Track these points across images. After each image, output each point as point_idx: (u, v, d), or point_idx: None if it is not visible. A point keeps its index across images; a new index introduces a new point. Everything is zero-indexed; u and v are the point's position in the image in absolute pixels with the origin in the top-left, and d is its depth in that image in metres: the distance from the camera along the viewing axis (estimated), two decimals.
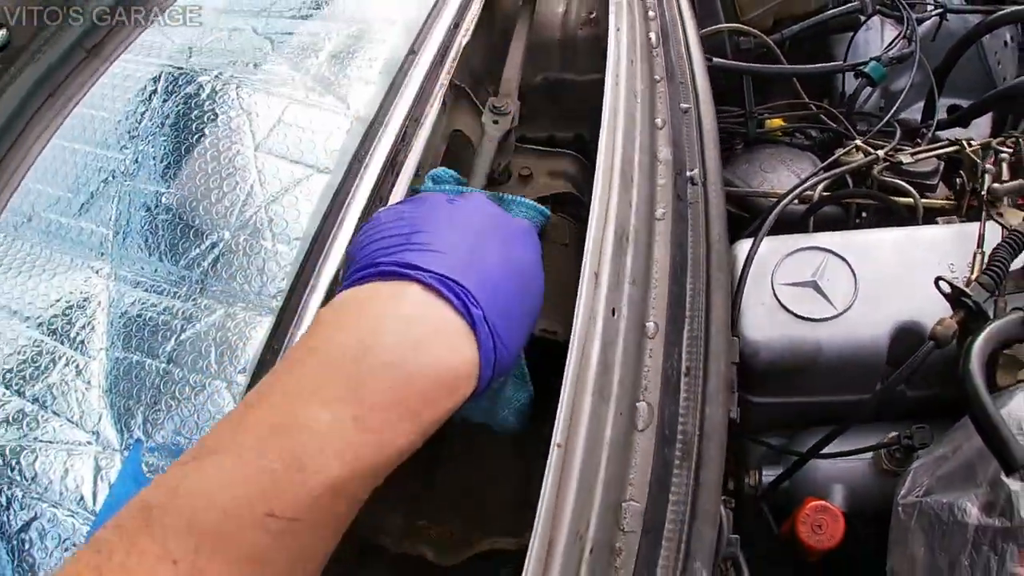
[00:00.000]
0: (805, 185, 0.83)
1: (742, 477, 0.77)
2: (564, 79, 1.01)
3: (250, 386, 0.56)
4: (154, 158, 0.82)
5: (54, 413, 0.69)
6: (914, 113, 1.19)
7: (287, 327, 0.59)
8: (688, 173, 0.64)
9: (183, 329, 0.67)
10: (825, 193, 0.87)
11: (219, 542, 0.34)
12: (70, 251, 0.84)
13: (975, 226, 0.75)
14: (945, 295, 0.66)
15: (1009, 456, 0.55)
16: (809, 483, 0.76)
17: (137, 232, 0.79)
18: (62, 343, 0.75)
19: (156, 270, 0.74)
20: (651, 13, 0.85)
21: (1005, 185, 0.77)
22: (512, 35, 1.07)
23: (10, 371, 0.74)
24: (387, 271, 0.42)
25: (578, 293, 0.51)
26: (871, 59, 1.00)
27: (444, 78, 0.81)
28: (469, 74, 0.94)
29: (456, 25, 0.88)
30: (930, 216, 0.90)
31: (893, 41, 1.08)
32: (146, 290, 0.74)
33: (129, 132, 0.86)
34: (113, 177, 0.85)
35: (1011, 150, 0.87)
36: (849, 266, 0.73)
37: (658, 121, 0.70)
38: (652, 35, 0.81)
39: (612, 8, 0.79)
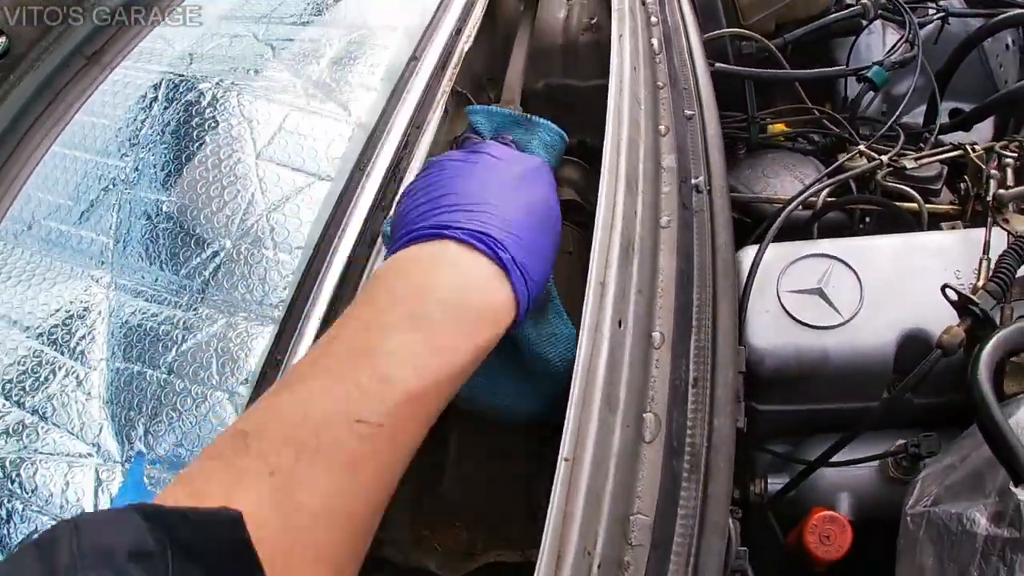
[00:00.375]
0: (809, 191, 0.82)
1: (747, 485, 0.76)
2: (566, 85, 1.01)
3: (252, 399, 0.55)
4: (155, 166, 0.82)
5: (54, 424, 0.68)
6: (916, 117, 1.19)
7: (290, 337, 0.59)
8: (693, 181, 0.63)
9: (184, 339, 0.67)
10: (830, 199, 0.87)
11: (315, 451, 0.39)
12: (70, 259, 0.83)
13: (980, 232, 0.75)
14: (952, 303, 0.66)
15: (1018, 466, 0.54)
16: (815, 491, 0.75)
17: (137, 241, 0.79)
18: (62, 353, 0.74)
19: (157, 279, 0.73)
20: (653, 19, 0.84)
21: (1011, 191, 0.77)
22: (513, 40, 1.07)
23: (9, 382, 0.74)
24: (425, 234, 0.49)
25: (584, 303, 0.51)
26: (874, 64, 0.99)
27: (446, 85, 0.80)
28: (470, 80, 0.94)
29: (458, 31, 0.88)
30: (934, 221, 0.90)
31: (895, 45, 1.08)
32: (147, 300, 0.73)
33: (130, 140, 0.85)
34: (114, 185, 0.85)
35: (1015, 154, 0.87)
36: (855, 273, 0.72)
37: (662, 128, 0.69)
38: (655, 41, 0.81)
39: (615, 15, 0.79)
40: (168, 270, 0.73)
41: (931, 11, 1.19)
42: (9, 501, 0.65)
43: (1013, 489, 0.56)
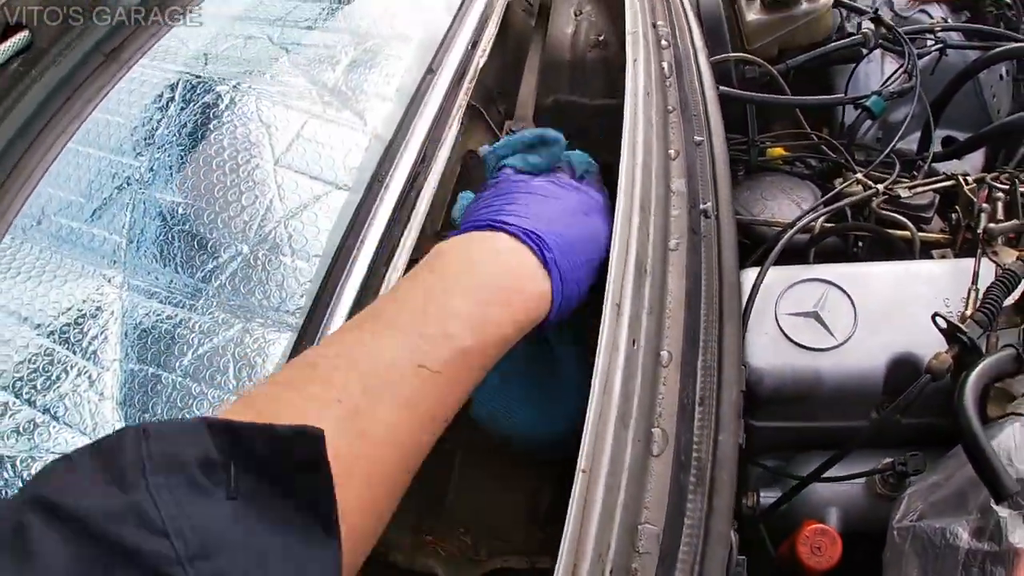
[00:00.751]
0: (807, 218, 0.85)
1: (741, 499, 0.79)
2: (574, 102, 1.03)
3: None
4: (170, 167, 0.82)
5: (66, 424, 0.69)
6: (910, 143, 1.22)
7: (309, 345, 0.60)
8: (702, 206, 0.66)
9: (200, 343, 0.68)
10: (827, 224, 0.90)
11: (379, 387, 0.44)
12: (81, 257, 0.83)
13: (970, 262, 0.78)
14: (941, 330, 0.69)
15: (999, 485, 0.58)
16: (805, 505, 0.78)
17: (152, 242, 0.79)
18: (74, 353, 0.75)
19: (171, 281, 0.74)
20: (664, 43, 0.87)
21: (1000, 225, 0.80)
22: (521, 53, 1.09)
23: (20, 380, 0.74)
24: (483, 224, 0.58)
25: (601, 323, 0.53)
26: (872, 93, 1.03)
27: (462, 99, 0.82)
28: (482, 93, 0.96)
29: (474, 44, 0.90)
30: (926, 249, 0.93)
31: (893, 75, 1.11)
32: (160, 301, 0.74)
33: (145, 139, 0.86)
34: (128, 184, 0.85)
35: (1007, 186, 0.91)
36: (849, 298, 0.75)
37: (672, 152, 0.72)
38: (665, 64, 0.83)
39: (629, 39, 0.81)
40: (184, 273, 0.74)
41: (929, 42, 1.22)
42: None
43: (994, 506, 0.59)
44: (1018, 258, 0.77)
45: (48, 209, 0.89)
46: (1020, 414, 0.66)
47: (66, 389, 0.72)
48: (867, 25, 1.16)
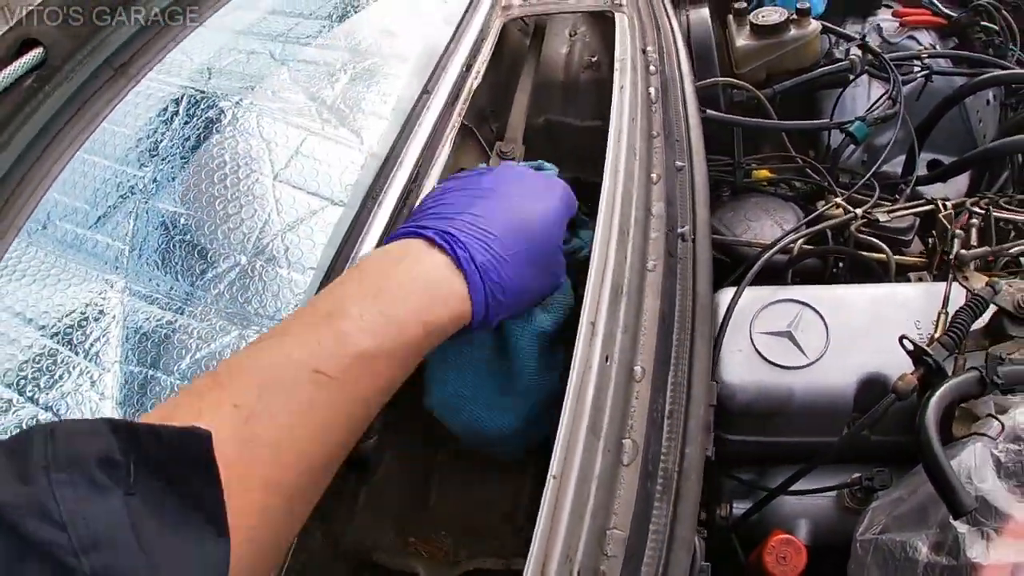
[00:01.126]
0: (786, 240, 0.88)
1: (714, 509, 0.82)
2: (564, 123, 1.06)
3: None
4: (173, 179, 0.86)
5: None
6: (895, 166, 1.25)
7: None
8: (680, 230, 0.69)
9: (198, 348, 0.71)
10: (806, 246, 0.93)
11: (276, 391, 0.44)
12: (84, 262, 0.87)
13: (942, 286, 0.81)
14: (908, 352, 0.72)
15: (957, 502, 0.60)
16: (776, 517, 0.81)
17: (153, 249, 0.82)
18: (76, 353, 0.78)
19: (171, 288, 0.77)
20: (652, 68, 0.90)
21: (971, 252, 0.83)
22: (515, 72, 1.13)
23: (24, 378, 0.77)
24: (401, 233, 0.58)
25: (576, 341, 0.56)
26: (856, 119, 1.06)
27: (455, 120, 0.85)
28: (475, 113, 0.99)
29: (468, 67, 0.93)
30: (903, 271, 0.96)
31: (878, 101, 1.14)
32: (160, 307, 0.77)
33: (150, 151, 0.89)
34: (131, 193, 0.88)
35: (982, 212, 0.94)
36: (822, 319, 0.78)
37: (653, 176, 0.75)
38: (652, 90, 0.87)
39: (617, 65, 0.84)
40: (183, 280, 0.77)
41: (916, 68, 1.25)
42: None
43: (953, 522, 0.62)
44: (987, 283, 0.80)
45: (54, 215, 0.92)
46: (982, 434, 0.69)
47: (68, 388, 0.75)
48: (854, 51, 1.19)
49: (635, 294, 0.64)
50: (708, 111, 1.00)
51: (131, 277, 0.83)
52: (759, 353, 0.76)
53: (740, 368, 0.76)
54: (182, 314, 0.75)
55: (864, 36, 1.30)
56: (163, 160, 0.88)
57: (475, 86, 0.90)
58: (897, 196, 1.08)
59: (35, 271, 0.89)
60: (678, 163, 0.75)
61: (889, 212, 0.98)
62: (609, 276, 0.60)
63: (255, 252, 0.75)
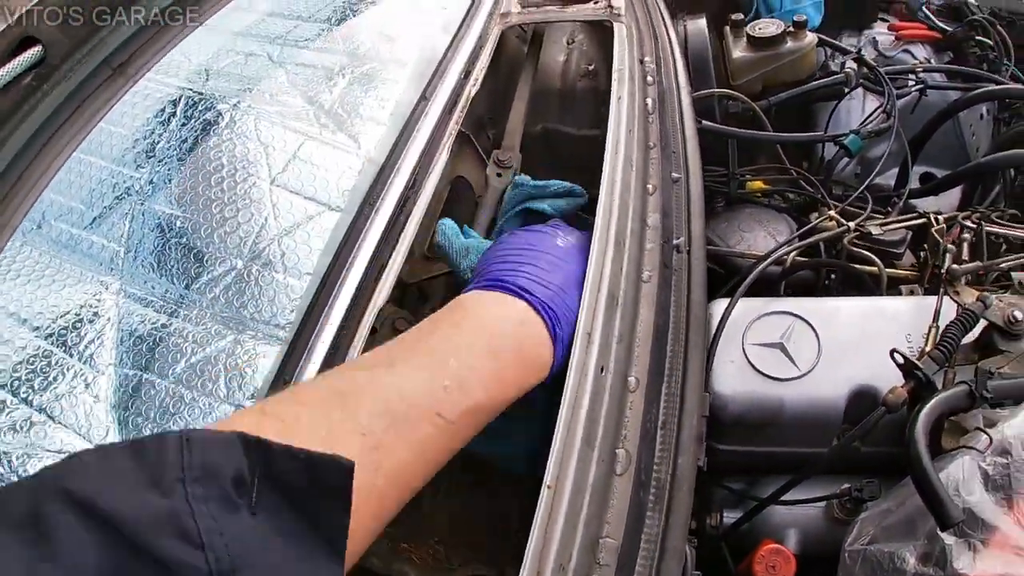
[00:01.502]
0: (779, 252, 0.89)
1: (704, 518, 0.83)
2: (561, 131, 1.07)
3: None
4: (169, 180, 0.86)
5: (61, 424, 0.72)
6: (889, 179, 1.26)
7: (297, 360, 0.64)
8: (675, 241, 0.69)
9: (193, 352, 0.71)
10: (800, 259, 0.94)
11: (402, 426, 0.47)
12: (79, 263, 0.86)
13: (933, 300, 0.82)
14: (899, 365, 0.73)
15: (945, 515, 0.61)
16: (766, 526, 0.82)
17: (149, 252, 0.82)
18: (70, 355, 0.77)
19: (167, 291, 0.77)
20: (649, 79, 0.91)
21: (962, 267, 0.84)
22: (512, 79, 1.13)
23: (18, 379, 0.76)
24: (505, 286, 0.61)
25: (572, 350, 0.57)
26: (850, 132, 1.07)
27: (453, 127, 0.86)
28: (472, 120, 1.00)
29: (467, 74, 0.94)
30: (894, 284, 0.97)
31: (872, 114, 1.15)
32: (156, 310, 0.77)
33: (146, 152, 0.89)
34: (128, 194, 0.88)
35: (974, 226, 0.95)
36: (814, 331, 0.79)
37: (649, 187, 0.75)
38: (649, 101, 0.87)
39: (615, 75, 0.85)
40: (179, 283, 0.77)
41: (911, 82, 1.26)
42: None
43: (940, 534, 0.63)
44: (978, 298, 0.81)
45: (49, 214, 0.92)
46: (970, 447, 0.70)
47: (62, 390, 0.75)
48: (850, 65, 1.20)
49: (630, 305, 0.64)
50: (704, 122, 1.00)
51: (126, 279, 0.82)
52: (751, 364, 0.77)
53: (732, 379, 0.77)
54: (177, 317, 0.75)
55: (860, 49, 1.31)
56: (160, 162, 0.88)
57: (473, 93, 0.90)
58: (890, 209, 1.09)
59: (30, 271, 0.88)
60: (674, 174, 0.76)
61: (882, 225, 0.99)
62: (605, 287, 0.61)
63: (251, 256, 0.75)
